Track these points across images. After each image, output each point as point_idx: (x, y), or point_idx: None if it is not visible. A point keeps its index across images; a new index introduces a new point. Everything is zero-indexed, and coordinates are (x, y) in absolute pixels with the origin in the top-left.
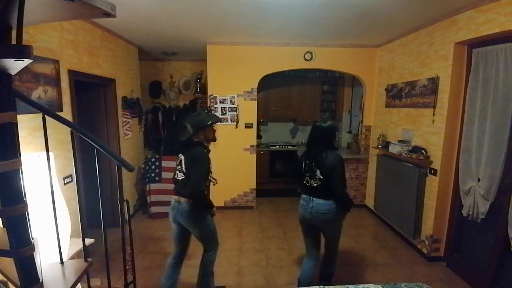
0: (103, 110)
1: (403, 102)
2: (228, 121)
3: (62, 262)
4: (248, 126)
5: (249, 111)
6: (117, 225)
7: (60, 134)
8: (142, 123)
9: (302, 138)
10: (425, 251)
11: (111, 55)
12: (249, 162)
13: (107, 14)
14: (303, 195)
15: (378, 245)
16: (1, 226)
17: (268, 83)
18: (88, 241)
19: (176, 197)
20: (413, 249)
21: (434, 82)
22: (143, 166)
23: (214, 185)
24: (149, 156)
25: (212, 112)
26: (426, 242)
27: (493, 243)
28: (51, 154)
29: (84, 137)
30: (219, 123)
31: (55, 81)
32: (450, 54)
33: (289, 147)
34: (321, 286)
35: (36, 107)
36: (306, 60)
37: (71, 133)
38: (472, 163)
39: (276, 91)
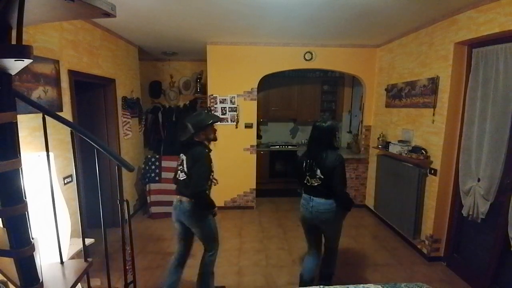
0: (103, 110)
1: (403, 102)
2: (228, 121)
3: (62, 262)
4: (248, 126)
5: (249, 111)
6: (117, 225)
7: (60, 134)
8: (142, 123)
9: (302, 138)
10: (425, 251)
11: (111, 55)
12: (249, 162)
13: (107, 14)
14: (303, 195)
15: (378, 245)
16: (1, 226)
17: (268, 83)
18: (88, 241)
19: (178, 196)
20: (413, 249)
21: (434, 82)
22: (143, 166)
23: (215, 185)
24: (149, 156)
25: (212, 112)
26: (426, 242)
27: (493, 243)
28: (51, 154)
29: (84, 137)
30: (219, 122)
31: (55, 81)
32: (450, 54)
33: (289, 147)
34: (321, 286)
35: (36, 107)
36: (306, 60)
37: (71, 133)
38: (472, 163)
39: (276, 91)
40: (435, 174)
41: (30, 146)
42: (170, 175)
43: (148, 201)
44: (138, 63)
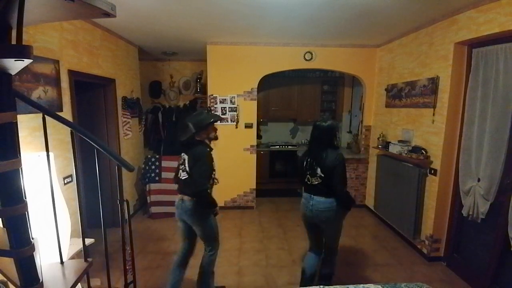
0: (103, 110)
1: (403, 102)
2: (228, 121)
3: (62, 262)
4: (248, 126)
5: (249, 111)
6: (117, 225)
7: (60, 134)
8: (142, 123)
9: (302, 138)
10: (425, 251)
11: (111, 55)
12: (249, 162)
13: (107, 14)
14: (304, 193)
15: (378, 245)
16: (1, 226)
17: (268, 83)
18: (88, 241)
19: (180, 195)
20: (413, 249)
21: (434, 82)
22: (143, 166)
23: (215, 184)
24: (149, 156)
25: (213, 112)
26: (426, 242)
27: (493, 243)
28: (51, 154)
29: (84, 137)
30: (219, 122)
31: (55, 81)
32: (450, 54)
33: (289, 147)
34: (321, 286)
35: (36, 107)
36: (306, 60)
37: (71, 133)
38: (472, 163)
39: (276, 91)
40: (435, 174)
41: (30, 146)
42: (170, 175)
43: (148, 201)
44: (138, 63)
